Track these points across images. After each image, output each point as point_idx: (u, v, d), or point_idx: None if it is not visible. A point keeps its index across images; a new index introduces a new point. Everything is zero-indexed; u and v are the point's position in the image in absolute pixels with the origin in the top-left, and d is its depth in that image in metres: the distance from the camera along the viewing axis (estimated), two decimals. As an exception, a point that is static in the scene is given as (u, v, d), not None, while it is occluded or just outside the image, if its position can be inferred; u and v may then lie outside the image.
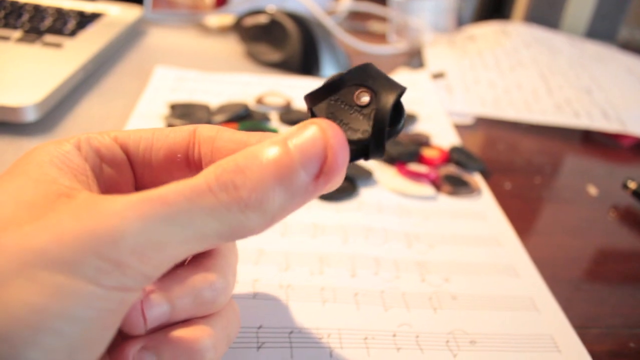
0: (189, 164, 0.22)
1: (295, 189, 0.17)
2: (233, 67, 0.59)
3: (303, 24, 0.59)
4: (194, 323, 0.20)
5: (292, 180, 0.17)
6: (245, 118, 0.46)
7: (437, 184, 0.41)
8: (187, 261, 0.22)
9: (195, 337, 0.19)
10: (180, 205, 0.16)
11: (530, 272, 0.33)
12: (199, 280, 0.20)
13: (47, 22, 0.55)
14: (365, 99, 0.20)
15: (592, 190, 0.46)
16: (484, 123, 0.56)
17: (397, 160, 0.43)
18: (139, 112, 0.46)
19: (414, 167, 0.42)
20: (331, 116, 0.20)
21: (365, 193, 0.39)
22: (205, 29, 0.71)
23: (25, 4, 0.58)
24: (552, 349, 0.28)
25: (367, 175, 0.41)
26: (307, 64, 0.59)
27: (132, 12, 0.64)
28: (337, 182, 0.18)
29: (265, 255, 0.32)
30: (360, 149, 0.20)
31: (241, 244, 0.32)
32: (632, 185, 0.44)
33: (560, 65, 0.68)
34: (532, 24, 0.80)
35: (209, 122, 0.44)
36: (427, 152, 0.44)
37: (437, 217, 0.38)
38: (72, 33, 0.53)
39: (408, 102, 0.55)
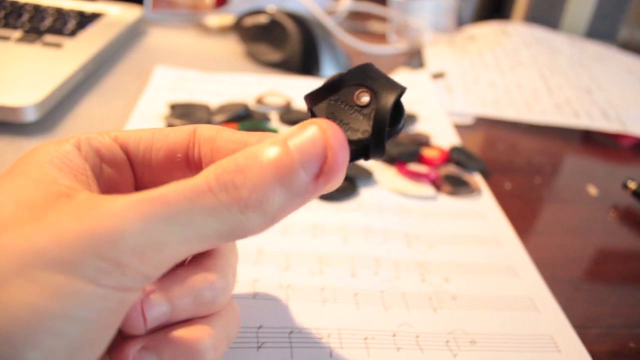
0: (189, 164, 0.22)
1: (295, 189, 0.17)
2: (233, 67, 0.59)
3: (303, 24, 0.59)
4: (194, 323, 0.20)
5: (292, 180, 0.17)
6: (245, 118, 0.46)
7: (437, 184, 0.41)
8: (187, 261, 0.22)
9: (196, 337, 0.19)
10: (180, 205, 0.16)
11: (530, 272, 0.33)
12: (199, 280, 0.20)
13: (47, 22, 0.55)
14: (365, 99, 0.20)
15: (592, 190, 0.46)
16: (484, 123, 0.56)
17: (397, 160, 0.43)
18: (139, 112, 0.46)
19: (414, 167, 0.42)
20: (331, 116, 0.20)
21: (365, 193, 0.39)
22: (205, 29, 0.71)
23: (25, 4, 0.58)
24: (552, 349, 0.28)
25: (367, 175, 0.41)
26: (307, 64, 0.59)
27: (132, 12, 0.64)
28: (337, 182, 0.18)
29: (265, 255, 0.32)
30: (360, 149, 0.20)
31: (241, 244, 0.32)
32: (632, 185, 0.44)
33: (560, 65, 0.68)
34: (532, 24, 0.80)
35: (209, 122, 0.44)
36: (427, 152, 0.44)
37: (437, 217, 0.38)
38: (72, 33, 0.53)
39: (408, 102, 0.55)
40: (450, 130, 0.51)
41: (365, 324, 0.28)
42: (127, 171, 0.22)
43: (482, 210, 0.39)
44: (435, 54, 0.70)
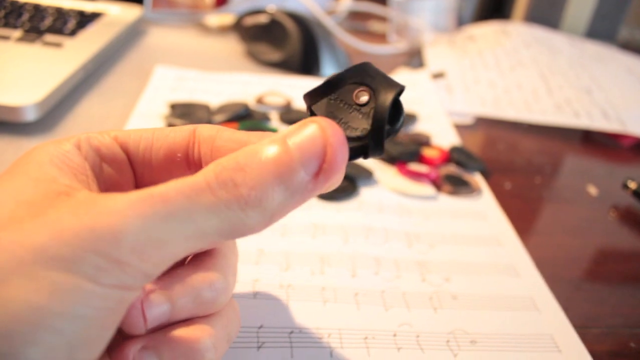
0: (189, 163, 0.22)
1: (294, 187, 0.17)
2: (233, 67, 0.59)
3: (303, 23, 0.59)
4: (194, 323, 0.20)
5: (291, 179, 0.17)
6: (246, 118, 0.46)
7: (437, 184, 0.41)
8: (187, 261, 0.22)
9: (196, 336, 0.19)
10: (180, 203, 0.16)
11: (531, 272, 0.33)
12: (199, 279, 0.20)
13: (47, 21, 0.55)
14: (364, 97, 0.20)
15: (592, 190, 0.46)
16: (484, 123, 0.56)
17: (398, 160, 0.43)
18: (139, 111, 0.46)
19: (415, 166, 0.42)
20: (330, 115, 0.20)
21: (365, 193, 0.39)
22: (205, 29, 0.71)
23: (25, 4, 0.58)
24: (552, 349, 0.28)
25: (367, 175, 0.41)
26: (307, 64, 0.59)
27: (132, 12, 0.64)
28: (336, 180, 0.18)
29: (265, 255, 0.32)
30: (359, 148, 0.20)
31: (241, 244, 0.32)
32: (632, 185, 0.44)
33: (560, 65, 0.68)
34: (532, 23, 0.80)
35: (209, 121, 0.44)
36: (427, 152, 0.44)
37: (438, 216, 0.38)
38: (72, 33, 0.53)
39: (408, 102, 0.55)
40: (450, 130, 0.51)
41: (365, 323, 0.28)
42: (127, 171, 0.22)
43: (482, 210, 0.39)
44: (436, 54, 0.70)
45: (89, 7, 0.61)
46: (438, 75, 0.63)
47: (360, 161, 0.42)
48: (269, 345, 0.26)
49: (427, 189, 0.40)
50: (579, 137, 0.56)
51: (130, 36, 0.63)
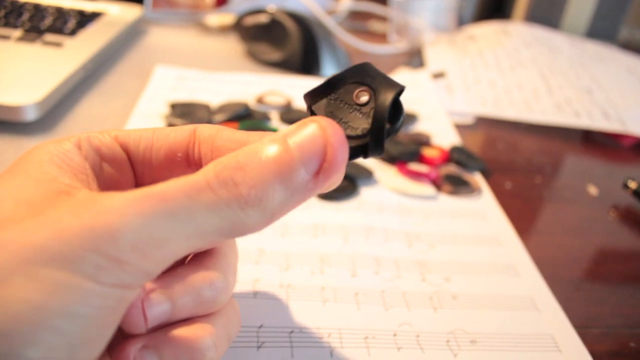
0: (189, 163, 0.22)
1: (295, 186, 0.17)
2: (233, 67, 0.59)
3: (303, 23, 0.59)
4: (195, 322, 0.20)
5: (292, 178, 0.17)
6: (246, 117, 0.46)
7: (437, 184, 0.41)
8: (187, 260, 0.22)
9: (196, 335, 0.19)
10: (179, 202, 0.16)
11: (531, 272, 0.33)
12: (200, 279, 0.20)
13: (47, 21, 0.55)
14: (364, 97, 0.20)
15: (593, 190, 0.46)
16: (484, 123, 0.56)
17: (398, 160, 0.43)
18: (139, 111, 0.46)
19: (415, 166, 0.42)
20: (330, 114, 0.20)
21: (365, 192, 0.39)
22: (205, 29, 0.71)
23: (26, 3, 0.58)
24: (552, 349, 0.28)
25: (367, 175, 0.41)
26: (307, 64, 0.59)
27: (132, 12, 0.64)
28: (336, 179, 0.18)
29: (265, 254, 0.32)
30: (359, 147, 0.20)
31: (242, 244, 0.32)
32: (633, 185, 0.44)
33: (560, 65, 0.68)
34: (532, 23, 0.80)
35: (209, 121, 0.44)
36: (427, 152, 0.44)
37: (438, 216, 0.38)
38: (72, 32, 0.53)
39: (408, 102, 0.55)
40: (450, 130, 0.51)
41: (365, 323, 0.28)
42: (127, 170, 0.22)
43: (482, 210, 0.39)
44: (436, 54, 0.70)
45: (89, 7, 0.61)
46: (438, 75, 0.63)
47: (360, 161, 0.42)
48: (269, 345, 0.26)
49: (427, 188, 0.40)
50: (579, 137, 0.56)
51: (130, 36, 0.63)
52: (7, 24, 0.53)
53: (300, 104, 0.51)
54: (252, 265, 0.31)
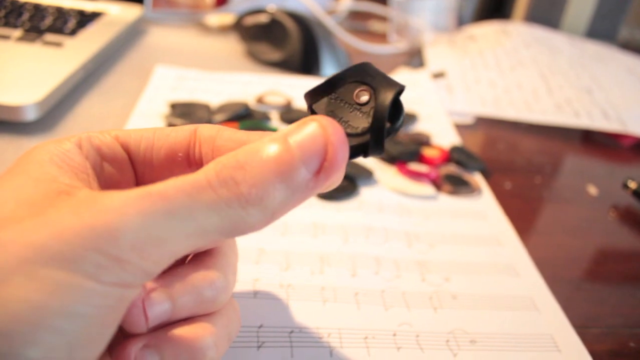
0: (189, 163, 0.22)
1: (295, 185, 0.17)
2: (233, 67, 0.59)
3: (303, 23, 0.59)
4: (195, 321, 0.20)
5: (292, 177, 0.17)
6: (246, 117, 0.46)
7: (437, 184, 0.41)
8: (187, 260, 0.22)
9: (197, 335, 0.19)
10: (180, 201, 0.16)
11: (531, 272, 0.33)
12: (200, 278, 0.20)
13: (48, 21, 0.55)
14: (365, 97, 0.20)
15: (592, 190, 0.46)
16: (484, 123, 0.56)
17: (398, 160, 0.43)
18: (139, 111, 0.46)
19: (415, 166, 0.42)
20: (331, 114, 0.20)
21: (365, 192, 0.39)
22: (205, 28, 0.71)
23: (26, 3, 0.58)
24: (552, 349, 0.28)
25: (367, 175, 0.41)
26: (307, 64, 0.59)
27: (132, 11, 0.64)
28: (337, 179, 0.18)
29: (265, 254, 0.32)
30: (359, 146, 0.20)
31: (242, 243, 0.32)
32: (632, 185, 0.44)
33: (560, 65, 0.68)
34: (532, 23, 0.80)
35: (209, 121, 0.44)
36: (427, 152, 0.44)
37: (438, 216, 0.38)
38: (73, 32, 0.53)
39: (408, 102, 0.55)
40: (450, 130, 0.51)
41: (365, 323, 0.28)
42: (128, 170, 0.22)
43: (482, 210, 0.39)
44: (436, 54, 0.70)
45: (89, 7, 0.61)
46: (438, 75, 0.63)
47: (360, 161, 0.42)
48: (269, 345, 0.26)
49: (427, 188, 0.40)
50: (579, 137, 0.56)
51: (130, 36, 0.63)
52: (7, 24, 0.53)
53: (300, 104, 0.51)
54: (252, 265, 0.31)
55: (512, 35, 0.74)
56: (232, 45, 0.66)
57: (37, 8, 0.57)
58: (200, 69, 0.56)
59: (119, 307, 0.16)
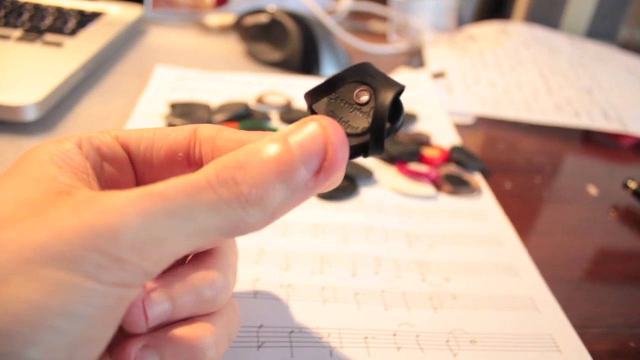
0: (190, 163, 0.22)
1: (295, 185, 0.17)
2: (233, 67, 0.59)
3: (303, 23, 0.59)
4: (195, 321, 0.20)
5: (292, 177, 0.17)
6: (246, 117, 0.46)
7: (437, 184, 0.41)
8: (187, 260, 0.22)
9: (197, 335, 0.19)
10: (180, 201, 0.16)
11: (531, 272, 0.33)
12: (200, 278, 0.20)
13: (48, 21, 0.55)
14: (365, 97, 0.20)
15: (592, 190, 0.46)
16: (484, 123, 0.56)
17: (398, 160, 0.43)
18: (139, 111, 0.46)
19: (415, 166, 0.42)
20: (331, 114, 0.20)
21: (365, 192, 0.39)
22: (205, 28, 0.71)
23: (26, 3, 0.58)
24: (552, 349, 0.28)
25: (367, 175, 0.41)
26: (307, 64, 0.59)
27: (132, 11, 0.64)
28: (337, 178, 0.18)
29: (265, 254, 0.32)
30: (359, 146, 0.20)
31: (242, 243, 0.32)
32: (632, 185, 0.44)
33: (560, 65, 0.68)
34: (532, 23, 0.80)
35: (209, 121, 0.44)
36: (427, 152, 0.44)
37: (438, 216, 0.38)
38: (73, 32, 0.53)
39: (408, 102, 0.55)
40: (450, 130, 0.51)
41: (365, 323, 0.28)
42: (128, 170, 0.22)
43: (482, 210, 0.39)
44: (436, 54, 0.70)
45: (89, 7, 0.61)
46: (438, 75, 0.63)
47: (360, 161, 0.42)
48: (269, 345, 0.26)
49: (427, 188, 0.40)
50: (579, 137, 0.56)
51: (130, 36, 0.63)
52: (7, 24, 0.53)
53: (300, 104, 0.51)
54: (252, 265, 0.31)
55: (512, 35, 0.74)
56: (232, 45, 0.66)
57: (37, 8, 0.57)
58: (200, 69, 0.56)
59: (119, 307, 0.16)
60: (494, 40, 0.73)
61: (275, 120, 0.47)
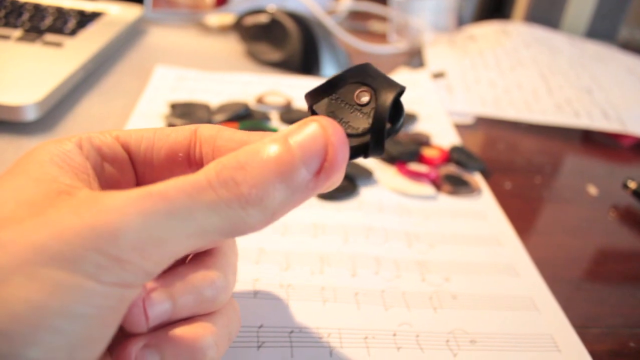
0: (190, 163, 0.22)
1: (295, 186, 0.17)
2: (233, 67, 0.59)
3: (303, 23, 0.59)
4: (196, 321, 0.20)
5: (292, 177, 0.17)
6: (246, 117, 0.46)
7: (437, 184, 0.41)
8: (187, 260, 0.22)
9: (197, 334, 0.19)
10: (180, 201, 0.16)
11: (530, 272, 0.33)
12: (200, 278, 0.20)
13: (48, 21, 0.55)
14: (365, 98, 0.20)
15: (592, 190, 0.46)
16: (484, 123, 0.56)
17: (398, 160, 0.43)
18: (139, 111, 0.46)
19: (414, 166, 0.42)
20: (331, 114, 0.20)
21: (365, 192, 0.39)
22: (205, 28, 0.71)
23: (26, 3, 0.58)
24: (552, 349, 0.28)
25: (367, 175, 0.41)
26: (307, 64, 0.59)
27: (132, 11, 0.64)
28: (337, 179, 0.18)
29: (265, 254, 0.32)
30: (360, 147, 0.20)
31: (242, 243, 0.32)
32: (632, 185, 0.44)
33: (560, 65, 0.68)
34: (532, 23, 0.80)
35: (209, 121, 0.44)
36: (427, 152, 0.44)
37: (438, 216, 0.38)
38: (73, 32, 0.53)
39: (408, 102, 0.55)
40: (450, 130, 0.51)
41: (365, 323, 0.28)
42: (128, 170, 0.22)
43: (482, 210, 0.39)
44: (436, 54, 0.70)
45: (89, 7, 0.61)
46: (438, 75, 0.63)
47: (360, 161, 0.42)
48: (269, 345, 0.26)
49: (427, 188, 0.40)
50: (579, 137, 0.56)
51: (130, 36, 0.63)
52: (7, 24, 0.53)
53: (300, 104, 0.51)
54: (252, 265, 0.31)
55: (512, 35, 0.74)
56: (232, 45, 0.66)
57: (37, 8, 0.57)
58: (200, 69, 0.56)
59: (119, 307, 0.16)
60: (494, 40, 0.73)
61: (275, 121, 0.47)
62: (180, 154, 0.21)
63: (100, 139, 0.21)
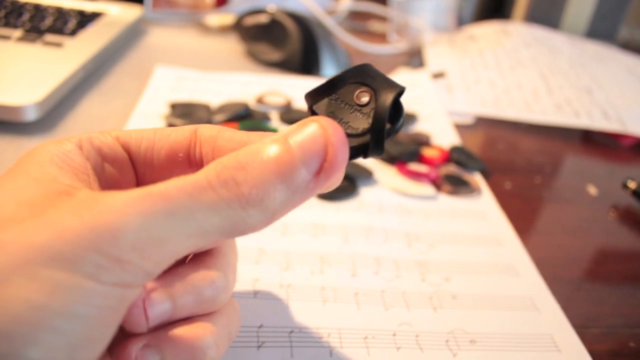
0: (190, 163, 0.22)
1: (296, 186, 0.17)
2: (233, 67, 0.59)
3: (303, 23, 0.59)
4: (196, 321, 0.20)
5: (293, 177, 0.17)
6: (246, 117, 0.46)
7: (437, 184, 0.41)
8: (187, 260, 0.22)
9: (197, 334, 0.19)
10: (181, 201, 0.16)
11: (530, 272, 0.33)
12: (200, 278, 0.20)
13: (48, 21, 0.55)
14: (365, 98, 0.20)
15: (592, 190, 0.46)
16: (484, 123, 0.56)
17: (398, 160, 0.43)
18: (139, 111, 0.46)
19: (414, 166, 0.42)
20: (331, 115, 0.20)
21: (365, 193, 0.39)
22: (205, 29, 0.71)
23: (26, 4, 0.58)
24: (552, 349, 0.28)
25: (367, 175, 0.41)
26: (307, 64, 0.59)
27: (132, 12, 0.64)
28: (337, 179, 0.19)
29: (265, 254, 0.32)
30: (359, 147, 0.20)
31: (242, 243, 0.32)
32: (632, 185, 0.44)
33: (560, 65, 0.68)
34: (532, 23, 0.80)
35: (209, 121, 0.44)
36: (427, 152, 0.44)
37: (438, 216, 0.38)
38: (73, 32, 0.53)
39: (408, 102, 0.55)
40: (450, 130, 0.51)
41: (365, 323, 0.28)
42: (128, 170, 0.22)
43: (482, 210, 0.39)
44: (436, 54, 0.70)
45: (89, 7, 0.61)
46: (438, 75, 0.63)
47: (360, 161, 0.42)
48: (269, 345, 0.26)
49: (427, 188, 0.40)
50: (579, 137, 0.56)
51: (130, 36, 0.63)
52: (7, 24, 0.53)
53: (300, 104, 0.51)
54: (252, 265, 0.31)
55: (512, 35, 0.74)
56: (232, 46, 0.66)
57: (37, 8, 0.57)
58: (200, 69, 0.56)
59: (119, 308, 0.16)
60: (494, 40, 0.73)
61: (275, 121, 0.47)
62: (181, 154, 0.21)
63: (101, 139, 0.21)
